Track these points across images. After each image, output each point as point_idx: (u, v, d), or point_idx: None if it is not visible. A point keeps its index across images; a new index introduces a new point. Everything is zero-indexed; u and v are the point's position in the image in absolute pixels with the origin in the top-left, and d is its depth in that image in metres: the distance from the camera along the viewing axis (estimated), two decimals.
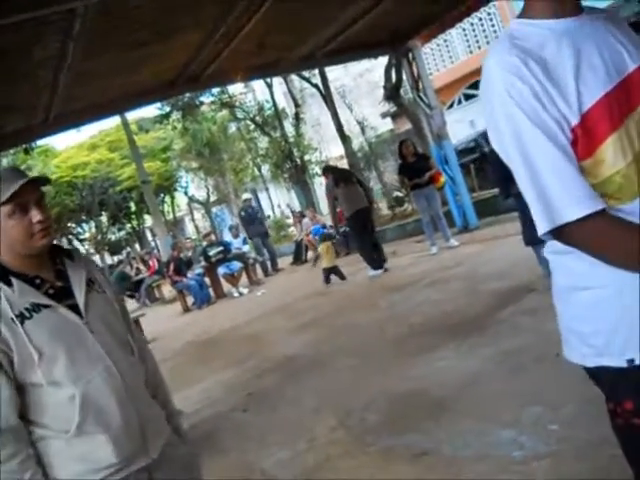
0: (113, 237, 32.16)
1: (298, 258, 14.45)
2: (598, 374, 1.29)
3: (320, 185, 26.00)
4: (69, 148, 27.32)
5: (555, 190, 1.17)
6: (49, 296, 1.61)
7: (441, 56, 20.00)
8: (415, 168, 9.12)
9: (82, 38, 5.67)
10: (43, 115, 7.77)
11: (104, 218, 28.66)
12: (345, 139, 16.32)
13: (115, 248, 32.17)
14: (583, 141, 1.18)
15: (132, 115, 24.56)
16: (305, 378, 4.92)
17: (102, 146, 26.86)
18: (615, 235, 1.17)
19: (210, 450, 3.94)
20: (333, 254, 9.97)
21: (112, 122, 24.49)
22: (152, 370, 1.85)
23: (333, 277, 9.56)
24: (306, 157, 19.55)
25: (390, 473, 2.91)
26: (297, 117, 19.15)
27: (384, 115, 20.80)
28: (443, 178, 9.59)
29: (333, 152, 24.69)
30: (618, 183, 1.19)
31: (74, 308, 1.63)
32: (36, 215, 1.60)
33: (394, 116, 20.23)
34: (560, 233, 1.19)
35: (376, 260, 9.15)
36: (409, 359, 4.50)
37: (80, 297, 1.65)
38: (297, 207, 22.77)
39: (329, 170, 10.02)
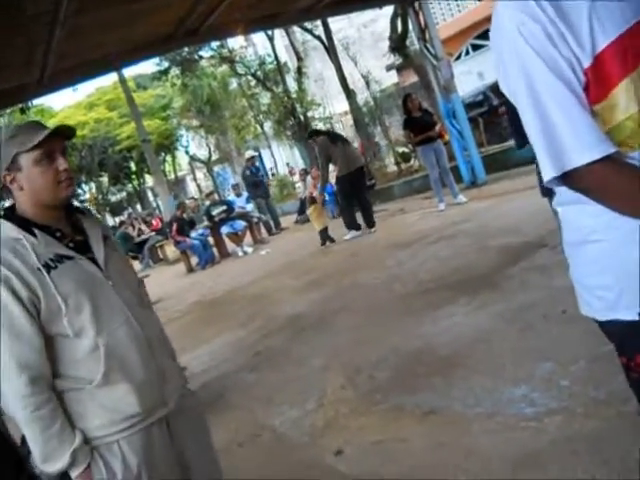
0: (114, 198, 32.17)
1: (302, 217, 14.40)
2: (610, 328, 1.28)
3: None
4: (66, 108, 27.08)
5: (565, 133, 1.15)
6: (70, 249, 1.65)
7: (448, 4, 19.55)
8: (421, 123, 9.02)
9: None
10: (38, 73, 7.66)
11: (104, 179, 28.60)
12: (349, 94, 16.09)
13: (116, 209, 32.21)
14: (595, 84, 1.16)
15: (129, 72, 24.18)
16: (312, 337, 4.96)
17: (100, 105, 26.61)
18: (624, 180, 1.14)
19: (220, 409, 4.00)
20: (324, 216, 9.91)
21: (109, 80, 24.17)
22: (160, 327, 1.90)
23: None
24: (309, 113, 19.30)
25: (400, 431, 2.96)
26: (299, 71, 18.85)
27: (389, 68, 20.46)
28: (447, 134, 9.51)
29: (337, 108, 24.40)
30: (630, 128, 1.16)
31: (94, 262, 1.68)
32: (62, 163, 1.64)
33: (399, 69, 19.90)
34: (568, 178, 1.17)
35: (356, 221, 9.33)
36: (418, 316, 4.52)
37: (99, 251, 1.70)
38: (300, 165, 22.61)
39: (318, 132, 9.99)
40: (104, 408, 1.61)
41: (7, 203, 1.73)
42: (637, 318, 1.20)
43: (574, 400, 2.66)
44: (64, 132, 1.69)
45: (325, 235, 9.53)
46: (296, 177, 20.89)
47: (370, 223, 9.35)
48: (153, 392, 1.66)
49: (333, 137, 9.48)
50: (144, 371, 1.65)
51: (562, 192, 1.27)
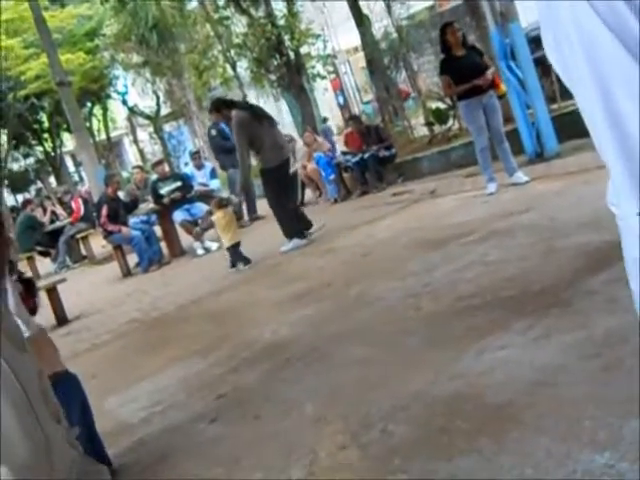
0: (16, 167, 32.08)
1: None
2: None
3: (325, 91, 25.87)
4: None
5: None
6: None
7: None
8: (466, 65, 9.02)
9: None
10: None
11: (2, 138, 28.50)
12: (362, 21, 16.07)
13: (19, 183, 32.19)
14: None
15: None
16: (301, 374, 4.95)
17: None
18: None
19: (163, 478, 3.98)
20: (236, 225, 10.09)
21: None
22: (38, 371, 1.84)
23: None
24: (303, 49, 19.29)
25: None
26: None
27: None
28: (503, 85, 9.52)
29: (343, 42, 24.42)
30: None
31: None
32: None
33: None
34: None
35: (298, 227, 9.78)
36: (454, 347, 4.51)
37: None
38: (288, 124, 22.58)
39: (231, 104, 10.04)
40: None
41: None
42: None
43: None
44: None
45: (236, 253, 9.61)
46: None
47: (305, 229, 9.84)
48: (41, 473, 1.62)
49: (257, 113, 9.68)
50: (28, 445, 1.60)
51: None
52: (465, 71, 8.98)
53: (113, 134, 34.94)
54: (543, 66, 12.13)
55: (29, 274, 14.47)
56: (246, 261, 9.57)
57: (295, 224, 9.80)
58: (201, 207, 12.63)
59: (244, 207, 14.12)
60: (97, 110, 31.51)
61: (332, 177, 13.61)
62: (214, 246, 12.20)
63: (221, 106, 9.91)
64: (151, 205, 13.00)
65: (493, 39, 10.42)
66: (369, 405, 4.07)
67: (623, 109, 1.14)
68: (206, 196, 12.99)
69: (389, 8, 17.24)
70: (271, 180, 9.66)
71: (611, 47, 1.11)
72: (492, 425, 3.43)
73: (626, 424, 3.06)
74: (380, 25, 17.70)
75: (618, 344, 3.83)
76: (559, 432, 3.19)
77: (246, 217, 14.15)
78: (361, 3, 16.38)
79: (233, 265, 9.59)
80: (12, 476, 1.57)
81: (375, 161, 13.31)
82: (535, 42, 12.83)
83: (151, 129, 31.24)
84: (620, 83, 1.14)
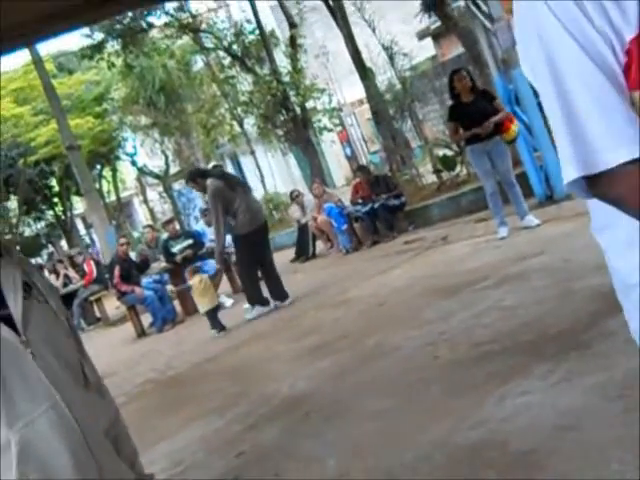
0: (28, 231, 32.24)
1: (302, 252, 14.47)
2: None
3: (332, 143, 26.11)
4: None
5: (595, 125, 1.23)
6: None
7: None
8: (473, 111, 9.08)
9: None
10: None
11: (13, 203, 28.72)
12: (366, 74, 16.26)
13: (31, 248, 32.25)
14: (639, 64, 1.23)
15: (47, 48, 24.54)
16: (322, 428, 4.91)
17: (5, 97, 26.86)
18: None
19: None
20: (213, 291, 10.28)
21: (18, 60, 24.48)
22: (113, 415, 1.86)
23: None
24: (309, 104, 19.49)
25: None
26: (293, 44, 19.09)
27: (422, 35, 20.74)
28: (515, 126, 9.55)
29: (348, 95, 24.69)
30: None
31: (7, 321, 1.63)
32: None
33: (437, 36, 20.15)
34: (595, 183, 1.26)
35: (261, 295, 9.94)
36: (475, 395, 4.48)
37: (16, 306, 1.65)
38: (298, 178, 22.72)
39: (206, 174, 10.42)
40: None
41: None
42: None
43: None
44: None
45: (214, 317, 9.82)
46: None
47: (281, 295, 9.95)
48: None
49: (230, 181, 9.98)
50: None
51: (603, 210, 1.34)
52: (473, 117, 9.04)
53: (123, 195, 35.26)
54: None
55: None
56: (220, 327, 9.71)
57: (259, 291, 9.96)
58: (213, 264, 12.65)
59: None
60: (107, 172, 31.84)
61: (344, 227, 13.64)
62: (228, 302, 12.19)
63: (196, 176, 10.25)
64: (163, 264, 13.05)
65: (497, 86, 10.51)
66: (392, 457, 4.04)
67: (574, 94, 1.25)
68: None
69: (392, 60, 17.48)
70: (243, 246, 9.85)
71: (567, 46, 1.23)
72: (517, 472, 3.39)
73: None
74: (384, 77, 17.90)
75: None
76: (586, 476, 3.15)
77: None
78: (364, 56, 16.58)
79: (221, 329, 9.71)
80: None
81: (385, 210, 13.32)
82: None
83: (160, 188, 31.44)
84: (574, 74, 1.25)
